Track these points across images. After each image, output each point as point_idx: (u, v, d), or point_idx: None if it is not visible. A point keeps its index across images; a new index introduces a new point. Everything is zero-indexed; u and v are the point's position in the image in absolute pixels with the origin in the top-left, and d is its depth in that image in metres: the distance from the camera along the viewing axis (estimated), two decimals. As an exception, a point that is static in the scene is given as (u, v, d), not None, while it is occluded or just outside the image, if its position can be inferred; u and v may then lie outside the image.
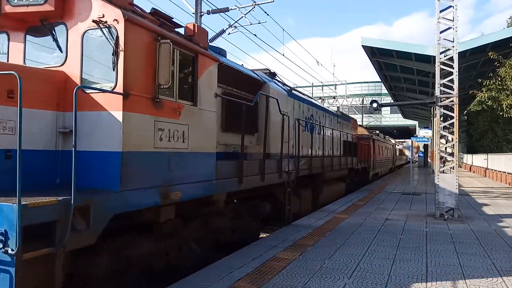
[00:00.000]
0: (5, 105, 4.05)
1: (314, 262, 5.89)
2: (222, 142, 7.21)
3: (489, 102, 25.64)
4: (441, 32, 10.29)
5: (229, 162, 6.82)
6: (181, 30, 6.10)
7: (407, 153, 19.31)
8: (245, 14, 16.45)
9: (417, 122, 52.34)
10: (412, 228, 8.71)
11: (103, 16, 4.50)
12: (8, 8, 4.72)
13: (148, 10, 6.82)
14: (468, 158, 40.07)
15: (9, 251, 3.38)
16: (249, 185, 7.37)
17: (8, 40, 5.10)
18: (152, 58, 4.87)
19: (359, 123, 32.25)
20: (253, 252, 6.47)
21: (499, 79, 19.75)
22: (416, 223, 9.34)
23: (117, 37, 4.43)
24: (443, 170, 10.25)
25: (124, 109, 4.40)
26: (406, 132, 65.47)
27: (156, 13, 5.58)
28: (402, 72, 27.28)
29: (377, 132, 29.57)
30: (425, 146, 44.22)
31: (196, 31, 5.96)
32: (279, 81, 10.63)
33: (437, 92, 10.19)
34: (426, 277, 5.24)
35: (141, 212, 4.87)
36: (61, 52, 4.80)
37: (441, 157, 10.38)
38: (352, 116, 24.07)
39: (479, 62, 22.73)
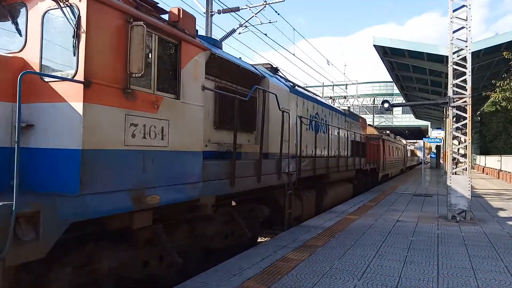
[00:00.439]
0: None
1: (323, 263, 5.79)
2: (214, 140, 6.68)
3: (503, 103, 25.22)
4: (454, 32, 10.03)
5: (219, 162, 6.16)
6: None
7: (419, 154, 19.08)
8: (255, 14, 16.40)
9: (429, 122, 51.70)
10: (423, 230, 8.52)
11: None
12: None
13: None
14: (481, 160, 39.50)
15: None
16: (243, 187, 6.73)
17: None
18: (123, 43, 4.22)
19: (370, 123, 32.03)
20: (262, 252, 6.35)
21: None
22: (427, 225, 9.14)
23: (79, 16, 3.83)
24: (456, 172, 10.04)
25: (86, 100, 3.77)
26: (418, 133, 64.78)
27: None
28: (414, 72, 26.90)
29: (388, 132, 29.22)
30: (437, 147, 43.75)
31: (181, 16, 5.31)
32: (281, 77, 10.09)
33: (449, 93, 9.97)
34: (437, 280, 5.12)
35: (113, 218, 4.30)
36: (20, 36, 4.20)
37: (454, 158, 10.12)
38: (363, 116, 23.89)
39: (493, 62, 22.28)
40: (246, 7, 16.27)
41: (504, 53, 18.25)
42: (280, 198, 8.73)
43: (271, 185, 7.95)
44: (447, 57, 10.51)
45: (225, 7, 15.74)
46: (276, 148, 8.10)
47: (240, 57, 8.23)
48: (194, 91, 5.46)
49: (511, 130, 33.45)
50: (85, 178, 3.76)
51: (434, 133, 31.82)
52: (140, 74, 4.21)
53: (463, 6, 9.86)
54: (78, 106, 3.77)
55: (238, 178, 6.44)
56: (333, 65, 45.15)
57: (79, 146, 3.74)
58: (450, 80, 10.02)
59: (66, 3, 3.89)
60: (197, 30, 5.97)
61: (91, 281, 4.41)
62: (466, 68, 9.80)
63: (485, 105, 37.51)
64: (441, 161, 41.15)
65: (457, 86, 10.00)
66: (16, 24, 4.26)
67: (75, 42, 3.83)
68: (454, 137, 10.23)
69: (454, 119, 10.17)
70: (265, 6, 16.11)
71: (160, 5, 5.19)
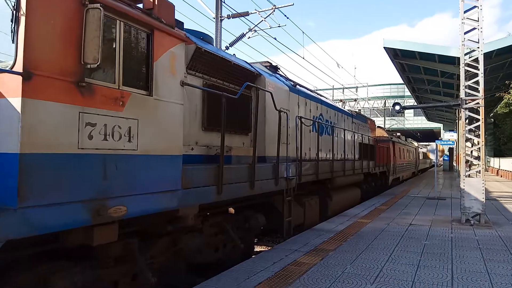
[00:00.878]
0: None
1: (335, 267, 5.70)
2: (203, 143, 6.08)
3: (517, 104, 24.92)
4: (465, 33, 9.82)
5: (204, 167, 5.46)
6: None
7: (432, 156, 18.80)
8: (265, 18, 16.41)
9: (442, 124, 51.11)
10: (437, 233, 8.36)
11: None
12: None
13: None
14: (495, 162, 38.89)
15: None
16: (232, 194, 6.02)
17: None
18: (76, 29, 3.58)
19: (381, 125, 31.81)
20: (273, 256, 6.27)
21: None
22: (441, 228, 8.96)
23: None
24: (469, 174, 9.86)
25: (25, 95, 3.15)
26: (431, 135, 64.07)
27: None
28: (425, 74, 26.55)
29: (398, 134, 28.91)
30: (450, 150, 43.25)
31: (156, 3, 4.69)
32: (281, 75, 9.60)
33: (462, 94, 9.78)
34: (451, 284, 4.99)
35: (67, 233, 3.71)
36: None
37: (467, 161, 9.96)
38: (374, 119, 23.69)
39: (506, 63, 21.90)
40: (255, 11, 16.30)
41: (517, 53, 17.99)
42: (279, 205, 8.07)
43: (267, 191, 7.28)
44: (458, 58, 10.42)
45: (234, 12, 15.78)
46: (274, 151, 7.45)
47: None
48: (171, 87, 4.77)
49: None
50: (25, 188, 3.12)
51: (446, 135, 31.49)
52: (96, 65, 3.55)
53: (475, 7, 9.69)
54: (16, 102, 3.15)
55: (226, 185, 5.73)
56: (343, 68, 45.06)
57: (17, 150, 3.11)
58: (462, 82, 9.82)
59: None
60: (182, 22, 5.49)
61: None
62: (478, 70, 9.58)
63: (499, 107, 36.91)
64: (454, 164, 40.67)
65: (469, 87, 9.81)
66: None
67: (14, 27, 3.23)
68: (467, 139, 10.06)
69: (467, 121, 9.96)
70: (274, 10, 16.12)
71: None
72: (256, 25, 16.63)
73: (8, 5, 3.26)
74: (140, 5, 4.66)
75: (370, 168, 16.20)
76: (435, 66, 23.43)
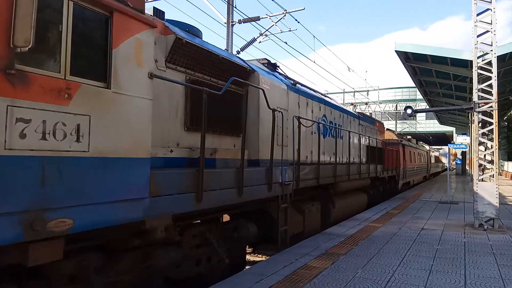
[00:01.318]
0: None
1: (346, 272, 5.69)
2: (185, 145, 5.57)
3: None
4: (478, 36, 9.79)
5: (179, 172, 4.77)
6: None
7: (444, 160, 18.54)
8: (275, 23, 16.53)
9: (454, 128, 50.57)
10: (449, 238, 8.32)
11: None
12: None
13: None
14: (509, 166, 38.34)
15: None
16: (216, 202, 5.35)
17: None
18: (4, 5, 3.04)
19: (393, 129, 31.57)
20: (283, 259, 6.29)
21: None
22: (453, 233, 8.93)
23: None
24: (482, 178, 9.80)
25: None
26: (443, 139, 63.47)
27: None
28: (437, 77, 26.41)
29: (409, 137, 28.59)
30: (463, 153, 42.74)
31: None
32: (281, 74, 9.20)
33: (475, 98, 9.74)
34: None
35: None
36: None
37: (480, 165, 9.90)
38: (386, 122, 23.50)
39: (520, 66, 21.80)
40: (266, 16, 16.41)
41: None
42: (275, 212, 7.43)
43: (259, 198, 6.66)
44: (471, 61, 10.30)
45: (245, 17, 15.92)
46: (269, 153, 6.87)
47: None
48: (137, 79, 4.08)
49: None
50: None
51: (459, 139, 31.11)
52: (27, 49, 3.01)
53: (488, 9, 9.65)
54: None
55: (208, 192, 5.08)
56: (354, 72, 44.89)
57: None
58: (475, 85, 9.79)
59: None
60: (163, 12, 5.19)
61: None
62: (492, 73, 9.57)
63: (512, 110, 36.48)
64: (467, 168, 40.17)
65: (482, 91, 9.77)
66: None
67: None
68: (480, 143, 10.00)
69: (480, 125, 9.93)
70: (285, 15, 16.21)
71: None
72: (267, 30, 16.77)
73: None
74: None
75: (378, 172, 15.64)
76: (447, 69, 23.28)
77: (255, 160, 6.93)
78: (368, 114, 27.50)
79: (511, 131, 39.12)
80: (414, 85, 32.96)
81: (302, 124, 8.40)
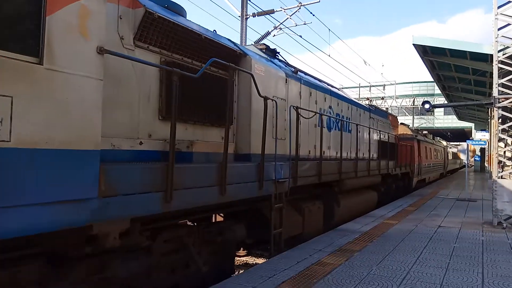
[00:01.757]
0: None
1: (361, 268, 5.67)
2: (159, 136, 4.83)
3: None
4: (499, 29, 9.67)
5: (140, 167, 4.02)
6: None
7: (462, 156, 18.20)
8: (290, 16, 16.48)
9: (473, 124, 49.79)
10: (467, 236, 8.25)
11: None
12: None
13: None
14: (530, 163, 37.59)
15: None
16: (190, 202, 4.65)
17: None
18: None
19: (409, 124, 31.19)
20: (297, 255, 6.30)
21: None
22: (471, 231, 8.85)
23: None
24: (502, 176, 9.73)
25: None
26: (461, 135, 62.48)
27: None
28: (456, 72, 26.04)
29: (425, 132, 28.11)
30: (482, 150, 42.04)
31: None
32: (280, 60, 8.55)
33: (494, 93, 9.66)
34: None
35: None
36: None
37: (499, 162, 9.84)
38: (402, 117, 23.21)
39: (542, 60, 21.32)
40: (280, 9, 16.37)
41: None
42: (268, 212, 6.71)
43: (248, 198, 5.97)
44: (491, 55, 10.15)
45: (259, 10, 15.91)
46: (266, 148, 6.24)
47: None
48: (80, 54, 3.28)
49: None
50: None
51: (478, 135, 30.63)
52: None
53: (509, 2, 9.50)
54: None
55: (180, 190, 4.39)
56: (370, 66, 44.46)
57: None
58: (495, 80, 9.69)
59: None
60: None
61: None
62: (513, 67, 9.43)
63: (534, 105, 35.71)
64: (486, 165, 39.51)
65: (503, 85, 9.66)
66: None
67: None
68: (500, 139, 9.88)
69: (500, 121, 9.80)
70: (299, 8, 16.15)
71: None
72: (281, 23, 16.72)
73: None
74: None
75: (390, 169, 14.73)
76: (466, 63, 22.91)
77: (246, 155, 6.26)
78: (384, 109, 27.20)
79: (533, 127, 38.31)
80: (432, 80, 32.53)
81: (302, 116, 7.68)
